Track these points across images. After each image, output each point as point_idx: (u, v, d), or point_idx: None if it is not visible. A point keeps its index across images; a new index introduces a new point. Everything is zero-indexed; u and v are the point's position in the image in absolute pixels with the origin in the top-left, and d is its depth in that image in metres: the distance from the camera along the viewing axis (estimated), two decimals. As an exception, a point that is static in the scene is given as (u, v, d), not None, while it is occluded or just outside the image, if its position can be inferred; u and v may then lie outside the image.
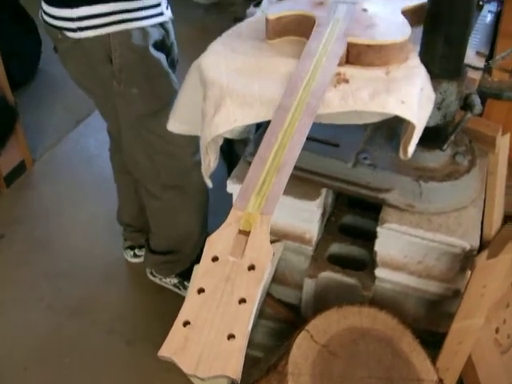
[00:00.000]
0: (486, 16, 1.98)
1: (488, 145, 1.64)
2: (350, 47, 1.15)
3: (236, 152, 2.21)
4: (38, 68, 3.79)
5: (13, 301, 2.37)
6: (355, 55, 1.16)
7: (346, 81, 1.12)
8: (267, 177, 0.89)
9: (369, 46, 1.15)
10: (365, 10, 1.26)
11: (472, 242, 1.41)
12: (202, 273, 0.79)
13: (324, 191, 1.49)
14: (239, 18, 4.33)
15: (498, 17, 1.95)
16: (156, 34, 1.75)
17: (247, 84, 1.13)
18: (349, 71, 1.14)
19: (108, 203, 2.63)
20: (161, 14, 1.76)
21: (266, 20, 1.23)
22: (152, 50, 1.72)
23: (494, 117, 1.79)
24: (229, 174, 1.57)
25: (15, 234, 2.69)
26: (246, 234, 0.83)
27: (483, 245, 1.61)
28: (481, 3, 2.04)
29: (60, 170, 3.06)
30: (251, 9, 2.76)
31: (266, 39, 1.25)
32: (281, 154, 0.92)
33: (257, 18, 1.38)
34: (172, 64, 1.89)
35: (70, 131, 3.31)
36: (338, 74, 1.13)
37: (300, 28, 1.23)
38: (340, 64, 1.14)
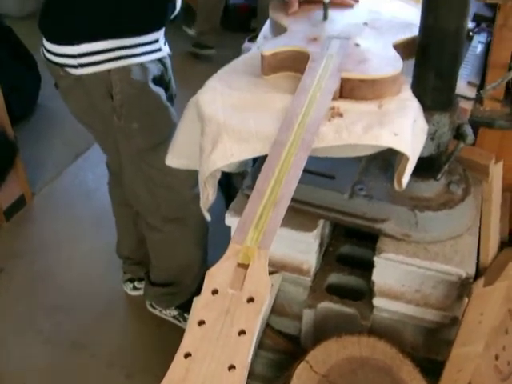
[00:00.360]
0: (477, 46, 2.01)
1: (482, 173, 1.67)
2: (344, 82, 1.18)
3: (234, 184, 2.24)
4: (38, 103, 3.83)
5: (12, 334, 2.38)
6: (349, 90, 1.19)
7: (340, 115, 1.15)
8: (264, 211, 0.91)
9: (362, 81, 1.18)
10: (357, 45, 1.29)
11: (468, 269, 1.42)
12: (202, 305, 0.81)
13: (321, 222, 1.51)
14: (208, 47, 4.36)
15: (487, 47, 1.98)
16: (155, 70, 1.79)
17: (243, 120, 1.16)
18: (343, 105, 1.17)
19: (107, 236, 2.65)
20: (159, 49, 1.79)
21: (262, 56, 1.26)
22: (151, 85, 1.76)
23: (486, 145, 1.81)
24: (227, 206, 1.59)
25: (15, 267, 2.70)
26: (245, 267, 0.85)
27: (480, 272, 1.63)
28: (471, 34, 2.07)
29: (59, 204, 3.08)
30: (246, 44, 2.81)
31: (262, 75, 1.28)
32: (277, 188, 0.95)
33: (252, 53, 1.42)
34: (170, 99, 1.92)
35: (69, 165, 3.33)
36: (332, 108, 1.16)
37: (295, 64, 1.26)
38: (334, 98, 1.17)
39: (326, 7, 1.42)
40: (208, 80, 1.30)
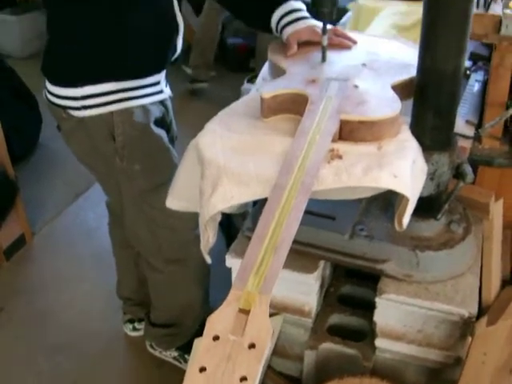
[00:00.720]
0: (474, 85, 2.03)
1: (482, 211, 1.67)
2: (343, 124, 1.19)
3: (235, 224, 2.24)
4: (38, 143, 3.87)
5: (11, 374, 2.35)
6: (348, 131, 1.19)
7: (340, 157, 1.16)
8: (265, 256, 0.91)
9: (361, 123, 1.19)
10: (356, 87, 1.30)
11: (470, 309, 1.42)
12: (203, 351, 0.81)
13: (322, 264, 1.51)
14: (199, 81, 4.41)
15: (485, 85, 2.00)
16: (156, 112, 1.80)
17: (243, 163, 1.16)
18: (342, 147, 1.18)
19: (107, 276, 2.64)
20: (161, 91, 1.81)
21: (261, 99, 1.27)
22: (153, 127, 1.77)
23: (486, 183, 1.82)
24: (228, 245, 1.59)
25: (15, 307, 2.68)
26: (246, 312, 0.85)
27: (482, 310, 1.62)
28: (468, 72, 2.09)
29: (59, 244, 3.08)
30: (245, 85, 2.83)
31: (262, 117, 1.29)
32: (278, 232, 0.95)
33: (251, 95, 1.43)
34: (171, 140, 1.93)
35: (70, 205, 3.34)
36: (332, 150, 1.16)
37: (294, 106, 1.27)
38: (333, 140, 1.17)
39: (324, 50, 1.44)
40: (208, 122, 1.31)
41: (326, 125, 1.16)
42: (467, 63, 2.14)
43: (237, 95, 3.80)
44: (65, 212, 3.29)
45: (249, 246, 0.94)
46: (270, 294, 0.88)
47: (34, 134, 3.87)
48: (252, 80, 3.65)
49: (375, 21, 2.33)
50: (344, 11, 2.99)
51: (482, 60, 2.15)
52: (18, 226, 3.05)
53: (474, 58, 2.18)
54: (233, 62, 4.67)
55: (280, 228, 0.95)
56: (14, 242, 3.03)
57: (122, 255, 2.29)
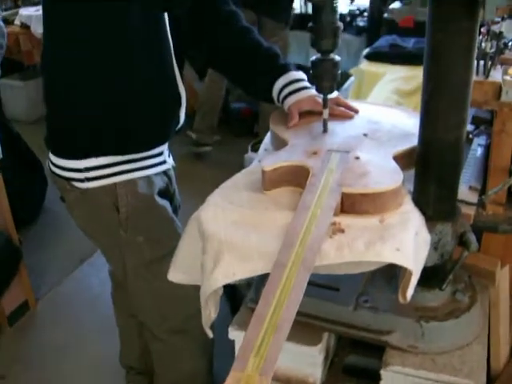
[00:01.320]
0: (476, 149, 2.03)
1: (488, 278, 1.65)
2: (345, 197, 1.18)
3: (239, 289, 2.22)
4: (43, 207, 3.88)
5: None
6: (350, 204, 1.19)
7: (342, 231, 1.15)
8: (265, 336, 0.90)
9: (363, 195, 1.19)
10: (357, 158, 1.30)
11: (478, 380, 1.38)
12: None
13: (326, 335, 1.49)
14: (203, 144, 4.50)
15: (487, 150, 2.00)
16: (160, 182, 1.81)
17: (245, 237, 1.15)
18: (344, 221, 1.17)
19: (111, 344, 2.60)
20: (164, 162, 1.82)
21: (262, 172, 1.27)
22: (157, 198, 1.77)
23: (491, 250, 1.80)
24: (232, 311, 1.57)
25: (16, 375, 2.66)
26: (247, 395, 0.83)
27: (492, 379, 1.59)
28: (470, 136, 2.10)
29: (63, 310, 3.06)
30: (249, 153, 2.86)
31: (263, 190, 1.29)
32: (279, 311, 0.93)
33: (253, 168, 1.43)
34: (175, 210, 1.94)
35: (74, 270, 3.34)
36: (334, 223, 1.16)
37: (296, 178, 1.27)
38: (335, 213, 1.17)
39: (325, 122, 1.45)
40: (210, 196, 1.30)
41: (327, 199, 1.15)
42: (469, 127, 2.15)
43: (241, 160, 3.86)
44: (69, 277, 3.29)
45: (249, 326, 0.92)
46: (271, 374, 0.86)
47: (39, 199, 3.91)
48: (256, 146, 3.69)
49: (377, 86, 2.36)
50: (346, 76, 3.05)
51: (485, 124, 2.16)
52: (22, 292, 3.04)
53: (477, 121, 2.19)
54: (237, 127, 4.72)
55: (281, 307, 0.94)
56: (18, 308, 3.03)
57: (125, 324, 2.27)
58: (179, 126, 1.83)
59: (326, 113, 1.45)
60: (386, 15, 4.09)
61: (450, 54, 1.20)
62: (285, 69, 1.66)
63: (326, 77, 1.42)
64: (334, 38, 1.38)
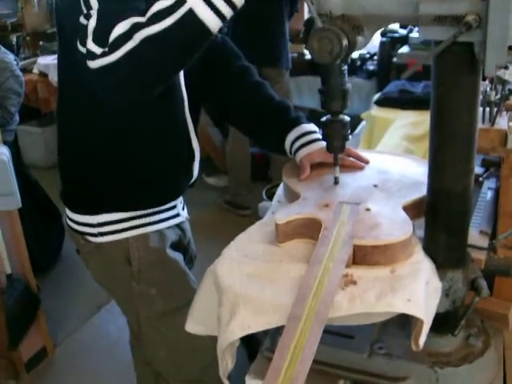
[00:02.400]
0: (486, 193, 2.06)
1: (501, 322, 1.67)
2: (357, 249, 1.22)
3: (255, 336, 2.23)
4: (61, 253, 3.92)
5: None
6: (361, 256, 1.22)
7: (354, 282, 1.18)
8: (281, 390, 0.93)
9: (374, 247, 1.22)
10: (368, 210, 1.34)
11: (493, 426, 1.40)
12: None
13: (341, 383, 1.51)
14: (244, 208, 4.50)
15: (497, 193, 2.02)
16: (173, 235, 1.85)
17: (260, 290, 1.19)
18: (356, 272, 1.20)
19: (128, 391, 2.62)
20: (177, 215, 1.86)
21: (276, 225, 1.31)
22: (169, 252, 1.81)
23: (504, 293, 1.82)
24: (248, 357, 1.58)
25: (35, 421, 2.68)
26: None
27: (509, 423, 1.60)
28: (480, 179, 2.12)
29: (81, 357, 3.09)
30: (263, 203, 2.91)
31: (277, 242, 1.33)
32: (294, 365, 0.97)
33: (267, 220, 1.46)
34: (190, 260, 1.97)
35: (92, 317, 3.37)
36: (346, 275, 1.19)
37: (308, 230, 1.31)
38: (347, 265, 1.20)
39: (336, 179, 1.50)
40: (225, 249, 1.34)
41: (339, 252, 1.19)
42: (479, 170, 2.17)
43: (256, 203, 3.91)
44: (87, 324, 3.32)
45: (265, 379, 0.96)
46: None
47: (56, 245, 3.96)
48: (269, 192, 3.74)
49: (387, 132, 2.40)
50: (358, 120, 3.11)
51: (494, 166, 2.18)
52: (40, 339, 3.08)
53: (486, 164, 2.22)
54: (251, 172, 4.74)
55: (296, 361, 0.97)
56: (36, 355, 3.06)
57: (143, 372, 2.29)
58: (193, 179, 1.87)
59: (336, 170, 1.49)
60: (395, 59, 4.17)
61: (454, 107, 1.24)
62: (296, 122, 1.71)
63: (337, 137, 1.47)
64: (342, 100, 1.42)
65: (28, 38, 6.39)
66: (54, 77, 5.24)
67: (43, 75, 5.52)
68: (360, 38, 1.24)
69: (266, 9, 3.97)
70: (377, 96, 3.09)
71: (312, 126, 1.71)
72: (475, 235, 1.79)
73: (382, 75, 4.58)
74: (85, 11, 1.38)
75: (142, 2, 1.36)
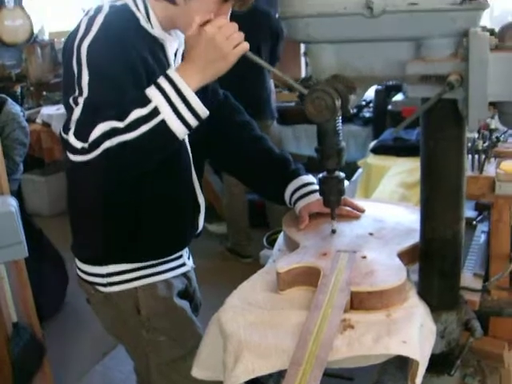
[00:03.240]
0: (480, 236, 2.13)
1: (497, 361, 1.72)
2: (354, 295, 1.29)
3: (260, 380, 2.26)
4: (65, 301, 3.96)
5: None
6: (358, 301, 1.29)
7: (352, 327, 1.25)
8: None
9: (370, 293, 1.29)
10: (364, 257, 1.41)
11: None
12: None
13: (343, 423, 1.56)
14: (246, 256, 4.51)
15: (490, 236, 2.09)
16: (179, 284, 1.91)
17: (263, 337, 1.25)
18: (353, 317, 1.27)
19: None
20: (183, 264, 1.93)
21: (277, 273, 1.38)
22: (176, 300, 1.87)
23: (499, 332, 1.88)
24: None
25: None
26: None
27: None
28: (474, 223, 2.19)
29: (86, 405, 3.11)
30: (264, 251, 2.98)
31: (278, 290, 1.39)
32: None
33: (268, 268, 1.54)
34: (195, 308, 2.03)
35: (96, 364, 3.39)
36: (344, 320, 1.25)
37: (308, 278, 1.38)
38: (345, 310, 1.27)
39: (333, 230, 1.57)
40: (229, 297, 1.41)
41: (337, 298, 1.26)
42: (472, 214, 2.25)
43: (257, 249, 3.99)
44: (91, 371, 3.34)
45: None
46: None
47: (60, 293, 3.99)
48: (269, 238, 3.82)
49: (384, 179, 2.48)
50: (355, 167, 3.18)
51: (487, 210, 2.25)
52: (45, 387, 3.09)
53: (479, 208, 2.29)
54: (250, 218, 4.80)
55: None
56: (42, 402, 3.06)
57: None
58: (198, 230, 1.95)
59: (334, 224, 1.57)
60: (390, 107, 4.27)
61: (442, 158, 1.32)
62: (295, 174, 1.81)
63: (333, 192, 1.55)
64: (338, 157, 1.50)
65: (32, 89, 6.52)
66: (57, 127, 5.33)
67: (46, 125, 5.63)
68: (352, 97, 1.32)
69: (244, 63, 4.05)
70: (373, 144, 3.17)
71: (310, 178, 1.80)
72: (469, 278, 1.86)
73: (377, 122, 4.65)
74: (76, 93, 1.51)
75: (126, 95, 1.50)
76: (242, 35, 1.47)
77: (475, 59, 1.14)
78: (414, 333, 1.26)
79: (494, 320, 1.89)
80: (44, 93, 6.33)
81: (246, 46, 1.48)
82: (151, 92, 1.46)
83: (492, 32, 1.19)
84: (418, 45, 1.23)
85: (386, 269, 1.37)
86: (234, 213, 4.55)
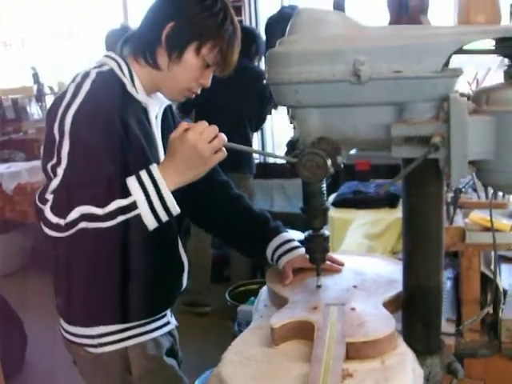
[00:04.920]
0: (446, 282, 2.22)
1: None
2: (349, 345, 1.34)
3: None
4: (24, 362, 3.90)
5: None
6: (354, 351, 1.35)
7: (351, 375, 1.30)
8: None
9: (364, 343, 1.35)
10: (353, 309, 1.48)
11: None
12: None
13: None
14: (203, 305, 4.51)
15: (456, 282, 2.19)
16: (167, 342, 1.93)
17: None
18: (351, 366, 1.33)
19: None
20: (168, 323, 1.95)
21: (272, 329, 1.43)
22: (165, 358, 1.89)
23: (473, 373, 1.97)
24: None
25: None
26: None
27: None
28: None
29: None
30: (242, 306, 3.02)
31: (273, 344, 1.44)
32: None
33: (258, 324, 1.58)
34: (178, 365, 2.05)
35: None
36: (342, 369, 1.31)
37: (301, 332, 1.43)
38: (343, 360, 1.33)
39: (319, 286, 1.64)
40: (225, 353, 1.45)
41: (335, 349, 1.31)
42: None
43: (219, 305, 4.04)
44: None
45: None
46: None
47: (20, 353, 3.91)
48: (231, 293, 3.92)
49: (349, 232, 2.57)
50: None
51: (449, 257, 2.35)
52: None
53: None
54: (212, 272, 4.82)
55: None
56: None
57: None
58: (182, 288, 1.99)
59: (319, 280, 1.64)
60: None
61: (424, 213, 1.40)
62: (276, 231, 1.88)
63: (318, 250, 1.63)
64: (323, 217, 1.59)
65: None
66: (7, 185, 5.26)
67: (-4, 183, 5.53)
68: (339, 158, 1.41)
69: (229, 118, 4.13)
70: (332, 197, 3.26)
71: (290, 235, 1.87)
72: (443, 323, 1.94)
73: (333, 176, 4.69)
74: (54, 161, 1.58)
75: (104, 170, 1.59)
76: (221, 140, 1.56)
77: (456, 122, 1.23)
78: (408, 377, 1.33)
79: (468, 361, 1.97)
80: (-9, 150, 6.26)
81: (223, 153, 1.58)
82: (133, 185, 1.55)
83: (468, 97, 1.30)
84: (401, 109, 1.33)
85: (376, 319, 1.44)
86: (198, 261, 4.56)
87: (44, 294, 4.69)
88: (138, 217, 1.54)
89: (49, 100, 6.74)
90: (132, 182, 1.55)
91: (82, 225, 1.51)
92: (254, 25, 5.85)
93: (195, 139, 1.52)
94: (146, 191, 1.54)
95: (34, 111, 6.86)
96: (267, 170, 5.33)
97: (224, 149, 1.57)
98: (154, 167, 1.57)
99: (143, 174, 1.56)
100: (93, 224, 1.51)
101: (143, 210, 1.54)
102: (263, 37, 4.71)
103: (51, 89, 6.62)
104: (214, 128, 1.55)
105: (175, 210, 1.59)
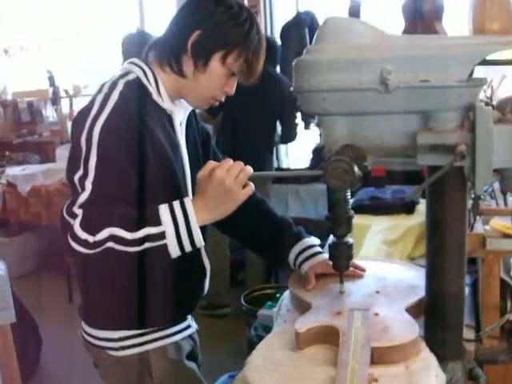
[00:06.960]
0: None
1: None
2: (374, 350, 1.36)
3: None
4: (39, 365, 3.92)
5: None
6: (378, 356, 1.37)
7: (376, 380, 1.32)
8: None
9: (389, 348, 1.37)
10: (377, 315, 1.50)
11: None
12: None
13: None
14: (223, 306, 4.57)
15: (474, 288, 2.20)
16: (187, 346, 1.94)
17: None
18: (375, 371, 1.34)
19: None
20: (189, 326, 1.96)
21: (297, 333, 1.45)
22: (186, 362, 1.91)
23: (492, 379, 1.96)
24: None
25: None
26: None
27: None
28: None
29: None
30: (262, 310, 3.04)
31: (297, 349, 1.46)
32: None
33: (282, 328, 1.61)
34: (198, 368, 2.06)
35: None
36: (368, 374, 1.33)
37: (326, 337, 1.45)
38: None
39: (342, 293, 1.65)
40: (250, 357, 1.47)
41: (361, 354, 1.33)
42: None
43: (234, 309, 4.12)
44: None
45: None
46: None
47: (34, 356, 3.94)
48: (246, 297, 3.95)
49: (367, 238, 2.59)
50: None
51: (468, 263, 2.36)
52: None
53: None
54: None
55: None
56: None
57: None
58: (204, 293, 2.00)
59: (342, 287, 1.66)
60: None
61: (448, 220, 1.42)
62: (299, 237, 1.90)
63: (342, 257, 1.64)
64: (348, 225, 1.60)
65: (-6, 149, 6.51)
66: (23, 188, 5.31)
67: (11, 186, 5.56)
68: (365, 164, 1.43)
69: (257, 123, 4.15)
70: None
71: (312, 240, 1.89)
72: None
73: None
74: (81, 172, 1.60)
75: (131, 186, 1.62)
76: (247, 173, 1.58)
77: (482, 131, 1.25)
78: (432, 383, 1.34)
79: (488, 368, 1.97)
80: (7, 153, 6.31)
81: (251, 188, 1.61)
82: (164, 215, 1.57)
83: (492, 106, 1.32)
84: (427, 117, 1.35)
85: (400, 324, 1.45)
86: (217, 262, 4.56)
87: (58, 295, 4.78)
88: (164, 247, 1.57)
89: (64, 103, 6.80)
90: (165, 214, 1.57)
91: (110, 244, 1.53)
92: (269, 30, 5.88)
93: (223, 175, 1.54)
94: (176, 224, 1.57)
95: (50, 114, 6.93)
96: (283, 176, 5.33)
97: (252, 184, 1.60)
98: (187, 200, 1.60)
99: (176, 206, 1.58)
100: (119, 247, 1.54)
101: (170, 241, 1.56)
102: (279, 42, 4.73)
103: (66, 92, 6.68)
104: (240, 164, 1.58)
105: (200, 244, 1.62)
